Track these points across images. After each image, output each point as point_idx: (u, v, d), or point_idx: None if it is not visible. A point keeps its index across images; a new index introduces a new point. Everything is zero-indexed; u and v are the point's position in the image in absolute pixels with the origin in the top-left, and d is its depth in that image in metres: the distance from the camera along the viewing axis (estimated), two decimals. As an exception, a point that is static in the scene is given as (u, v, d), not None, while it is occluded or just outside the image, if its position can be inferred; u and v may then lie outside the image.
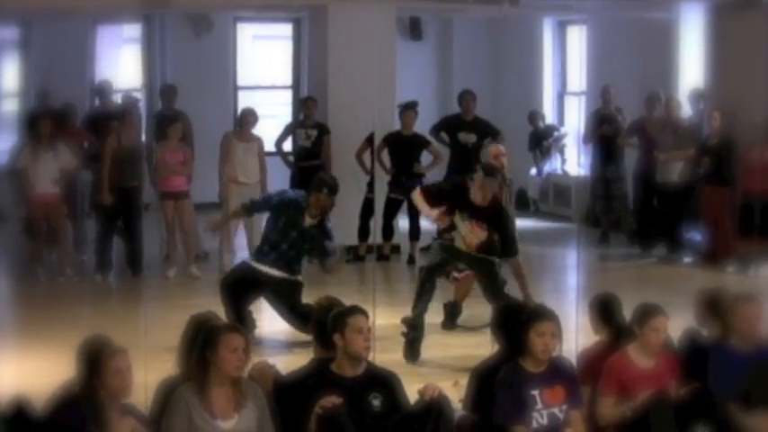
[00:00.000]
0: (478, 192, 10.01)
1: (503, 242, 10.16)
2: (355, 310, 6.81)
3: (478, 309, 10.85)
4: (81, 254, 14.43)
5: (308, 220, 10.67)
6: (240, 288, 10.61)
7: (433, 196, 10.42)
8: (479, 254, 10.14)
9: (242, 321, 9.98)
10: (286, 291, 10.66)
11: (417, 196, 10.56)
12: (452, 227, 10.30)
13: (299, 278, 10.81)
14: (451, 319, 11.14)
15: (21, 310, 12.68)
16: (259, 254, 10.90)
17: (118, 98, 16.11)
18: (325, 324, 6.90)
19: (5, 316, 12.49)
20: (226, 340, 6.25)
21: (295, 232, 10.67)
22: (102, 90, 15.89)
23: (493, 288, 10.08)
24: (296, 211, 10.70)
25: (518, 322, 6.97)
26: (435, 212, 10.40)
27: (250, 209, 11.51)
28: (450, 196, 10.26)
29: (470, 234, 10.08)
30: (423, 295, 10.07)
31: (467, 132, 14.83)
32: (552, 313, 6.95)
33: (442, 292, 10.77)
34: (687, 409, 6.98)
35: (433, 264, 10.23)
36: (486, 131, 15.07)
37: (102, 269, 13.46)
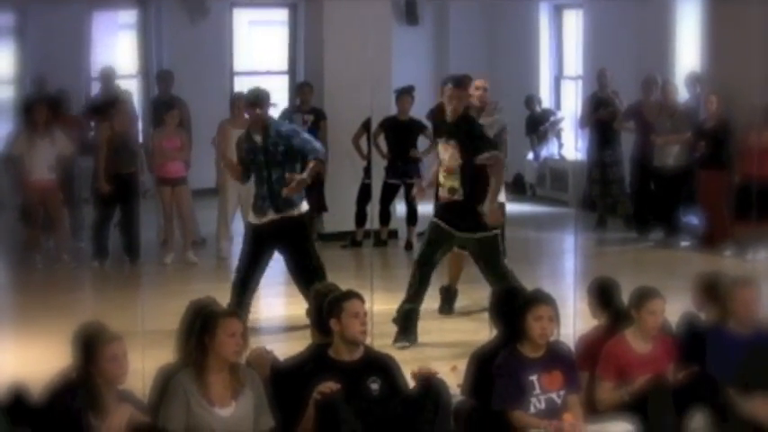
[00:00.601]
0: (448, 105, 9.73)
1: (474, 146, 9.72)
2: (351, 295, 6.82)
3: (476, 293, 10.86)
4: (78, 241, 14.42)
5: (257, 138, 10.30)
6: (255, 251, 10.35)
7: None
8: (477, 233, 9.81)
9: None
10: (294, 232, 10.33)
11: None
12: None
13: (303, 210, 10.37)
14: (448, 303, 11.11)
15: (18, 297, 12.67)
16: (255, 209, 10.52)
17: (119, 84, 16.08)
18: (322, 309, 6.90)
19: (2, 303, 12.49)
20: (224, 325, 6.26)
21: (258, 156, 10.30)
22: (106, 76, 15.81)
23: (494, 270, 9.85)
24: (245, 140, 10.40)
25: (516, 307, 6.97)
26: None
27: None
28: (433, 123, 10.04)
29: (450, 158, 9.77)
30: (417, 288, 9.95)
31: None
32: (549, 297, 6.96)
33: (437, 276, 10.72)
34: (685, 393, 6.99)
35: (425, 254, 10.00)
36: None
37: (99, 256, 13.45)
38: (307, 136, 10.62)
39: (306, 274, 10.15)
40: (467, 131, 9.77)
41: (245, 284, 10.28)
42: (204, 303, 6.80)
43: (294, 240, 10.31)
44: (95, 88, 18.23)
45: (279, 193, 10.17)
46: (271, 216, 10.26)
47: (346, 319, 6.64)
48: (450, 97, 9.73)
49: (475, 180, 9.74)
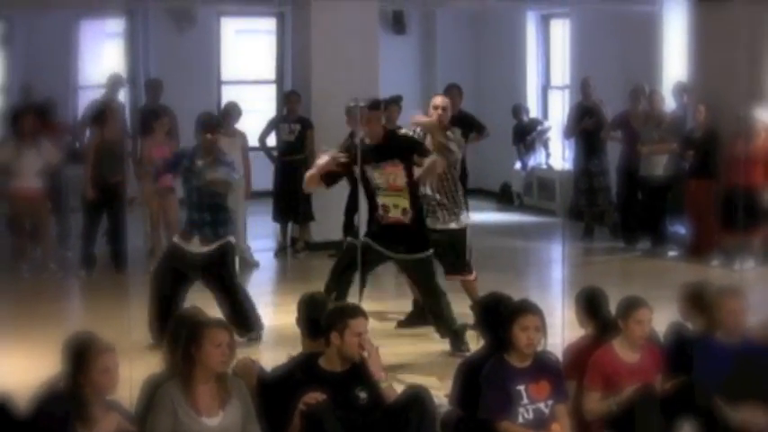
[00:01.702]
0: (365, 128, 9.48)
1: (412, 150, 9.55)
2: (357, 313, 6.79)
3: (463, 304, 10.84)
4: (65, 249, 14.39)
5: (200, 164, 10.24)
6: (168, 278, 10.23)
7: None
8: (409, 255, 9.60)
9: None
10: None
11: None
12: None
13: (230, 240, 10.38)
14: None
15: (4, 306, 12.61)
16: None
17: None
18: (311, 318, 6.90)
19: (-11, 312, 12.46)
20: (210, 335, 6.24)
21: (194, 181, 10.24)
22: (112, 83, 15.72)
23: (430, 289, 9.70)
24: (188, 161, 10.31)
25: (502, 317, 6.96)
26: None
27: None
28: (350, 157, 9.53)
29: (389, 178, 9.45)
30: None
31: (451, 126, 14.76)
32: (536, 307, 6.95)
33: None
34: (673, 402, 6.99)
35: (342, 266, 9.66)
36: (472, 126, 15.06)
37: (86, 265, 13.42)
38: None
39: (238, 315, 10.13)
40: (398, 146, 9.57)
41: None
42: (190, 313, 6.79)
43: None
44: (82, 97, 18.25)
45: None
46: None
47: (349, 336, 6.62)
48: (368, 121, 9.49)
49: (417, 199, 9.62)
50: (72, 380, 5.98)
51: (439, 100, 10.77)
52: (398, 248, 9.55)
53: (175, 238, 10.45)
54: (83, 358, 5.96)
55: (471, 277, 10.69)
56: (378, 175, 9.48)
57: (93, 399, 5.96)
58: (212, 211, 10.24)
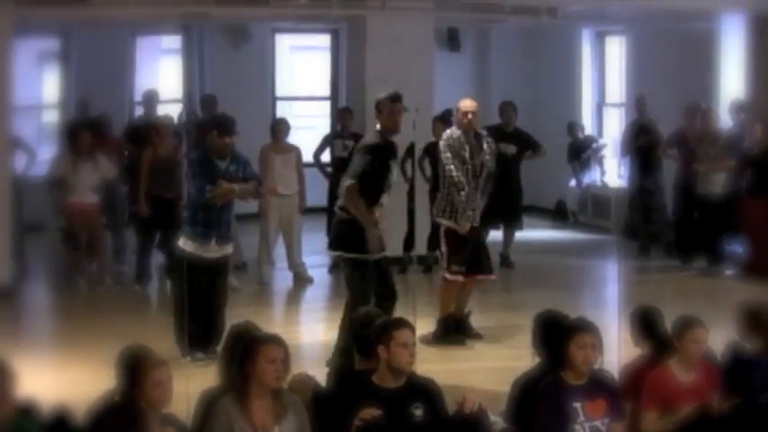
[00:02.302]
0: (391, 118, 9.83)
1: None
2: (401, 324, 6.77)
3: (515, 320, 10.80)
4: (120, 264, 14.49)
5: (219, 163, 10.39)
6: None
7: (362, 182, 9.76)
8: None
9: None
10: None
11: (352, 202, 9.80)
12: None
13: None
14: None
15: (61, 319, 12.77)
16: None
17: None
18: (366, 336, 6.88)
19: (46, 326, 12.58)
20: (264, 351, 6.24)
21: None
22: (148, 99, 15.87)
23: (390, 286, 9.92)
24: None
25: (558, 334, 6.93)
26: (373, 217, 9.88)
27: None
28: (378, 161, 9.78)
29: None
30: None
31: (507, 143, 14.81)
32: (593, 325, 6.91)
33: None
34: (730, 423, 6.92)
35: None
36: (528, 143, 15.13)
37: (141, 279, 13.51)
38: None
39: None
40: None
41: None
42: (245, 329, 6.79)
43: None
44: (139, 112, 18.39)
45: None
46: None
47: (395, 347, 6.59)
48: (392, 112, 9.89)
49: None
50: (126, 393, 6.00)
51: (468, 104, 11.03)
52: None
53: (188, 245, 10.35)
54: (136, 372, 5.98)
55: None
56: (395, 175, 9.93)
57: (148, 412, 5.98)
58: (227, 212, 10.48)
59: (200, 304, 10.17)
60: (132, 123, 15.84)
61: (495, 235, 14.89)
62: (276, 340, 6.43)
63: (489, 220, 14.99)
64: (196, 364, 9.69)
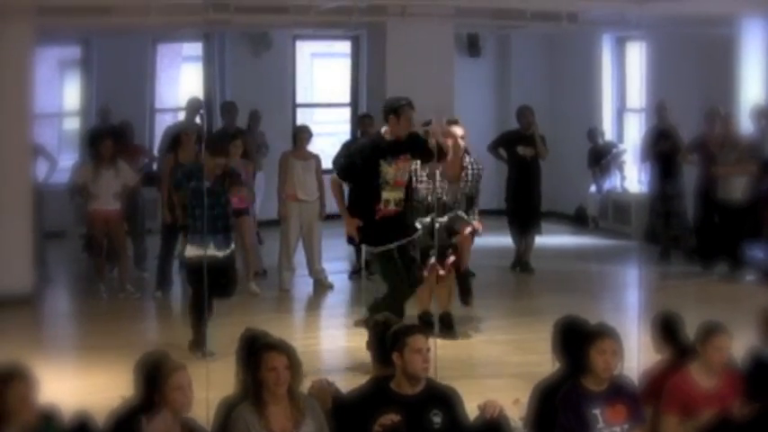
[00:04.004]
0: (404, 125, 10.26)
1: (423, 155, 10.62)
2: (414, 330, 6.78)
3: (537, 326, 10.79)
4: (141, 270, 14.53)
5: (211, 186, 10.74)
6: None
7: (346, 176, 10.51)
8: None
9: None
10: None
11: (333, 193, 10.74)
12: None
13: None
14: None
15: (82, 325, 12.80)
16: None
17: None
18: (383, 342, 6.88)
19: (67, 332, 12.61)
20: (265, 359, 6.24)
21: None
22: (191, 107, 15.86)
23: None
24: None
25: (579, 340, 6.92)
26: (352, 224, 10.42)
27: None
28: (366, 156, 10.31)
29: (398, 173, 10.27)
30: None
31: (525, 146, 14.84)
32: (613, 331, 6.90)
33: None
34: (752, 428, 6.90)
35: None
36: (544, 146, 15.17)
37: (162, 286, 13.54)
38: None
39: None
40: (414, 143, 10.48)
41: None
42: (254, 335, 6.79)
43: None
44: (158, 120, 18.47)
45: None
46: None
47: (409, 354, 6.60)
48: (407, 119, 10.32)
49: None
50: (147, 399, 6.01)
51: (456, 130, 11.50)
52: (399, 236, 10.31)
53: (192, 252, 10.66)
54: (156, 377, 5.99)
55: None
56: (389, 171, 10.24)
57: (169, 417, 5.98)
58: (226, 219, 10.86)
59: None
60: (169, 130, 15.79)
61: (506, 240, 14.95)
62: (277, 347, 6.37)
63: (509, 222, 15.12)
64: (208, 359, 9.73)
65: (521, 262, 14.99)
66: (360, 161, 10.32)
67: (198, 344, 10.45)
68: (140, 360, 6.20)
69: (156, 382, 5.99)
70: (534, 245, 15.11)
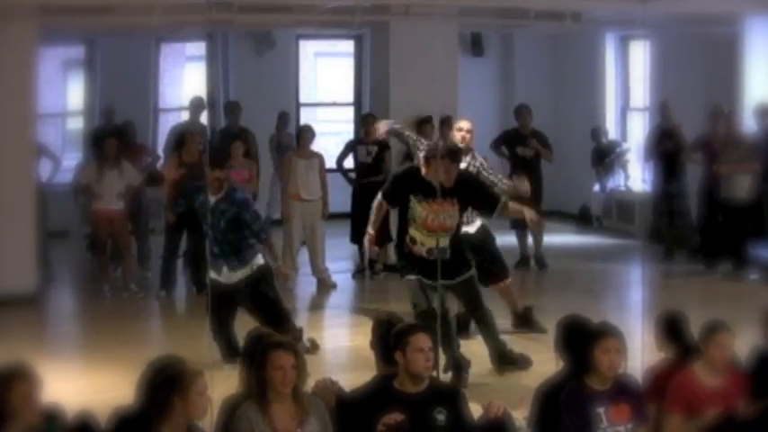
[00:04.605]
0: (444, 175, 9.33)
1: (482, 202, 9.78)
2: (416, 329, 6.78)
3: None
4: (145, 270, 14.54)
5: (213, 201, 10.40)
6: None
7: (390, 198, 9.79)
8: (458, 279, 9.62)
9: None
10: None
11: (376, 212, 10.03)
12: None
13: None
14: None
15: (86, 325, 12.82)
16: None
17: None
18: (386, 340, 6.88)
19: (71, 332, 12.62)
20: (273, 358, 6.24)
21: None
22: (194, 106, 15.86)
23: (478, 307, 9.91)
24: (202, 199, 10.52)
25: (581, 339, 6.92)
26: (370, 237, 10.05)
27: None
28: (405, 185, 9.60)
29: (433, 215, 9.37)
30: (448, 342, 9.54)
31: (525, 146, 14.89)
32: (617, 329, 6.89)
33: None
34: (756, 427, 6.89)
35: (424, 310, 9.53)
36: (543, 145, 15.18)
37: (166, 285, 13.54)
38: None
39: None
40: (466, 186, 9.59)
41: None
42: (260, 334, 6.79)
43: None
44: (162, 119, 18.48)
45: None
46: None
47: (411, 353, 6.60)
48: (447, 170, 9.36)
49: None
50: (159, 402, 5.89)
51: (463, 123, 11.08)
52: (444, 277, 9.37)
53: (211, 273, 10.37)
54: (175, 381, 5.89)
55: (508, 281, 11.20)
56: (421, 209, 9.47)
57: (179, 421, 5.92)
58: (234, 242, 10.30)
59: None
60: (175, 129, 15.79)
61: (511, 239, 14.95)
62: (284, 346, 6.37)
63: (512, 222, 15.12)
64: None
65: (534, 258, 15.08)
66: (390, 188, 9.84)
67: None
68: (153, 364, 6.10)
69: (173, 386, 5.89)
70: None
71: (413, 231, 9.51)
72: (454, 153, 9.57)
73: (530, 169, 14.73)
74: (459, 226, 9.63)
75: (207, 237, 10.43)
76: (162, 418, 5.81)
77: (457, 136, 10.85)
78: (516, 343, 11.08)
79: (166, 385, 5.85)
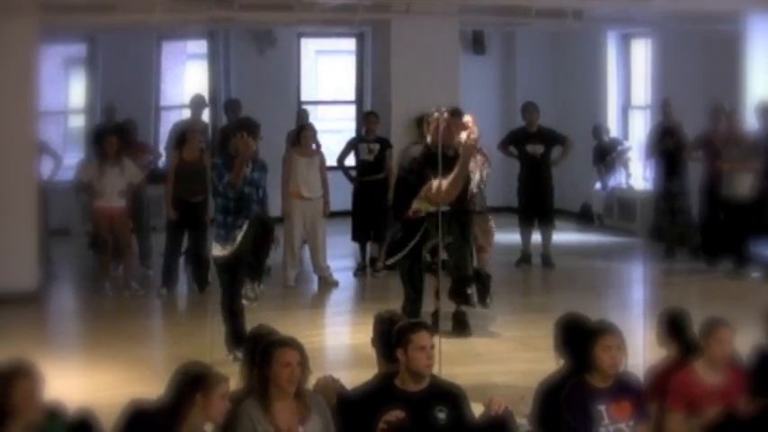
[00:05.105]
0: (445, 132, 9.87)
1: None
2: (419, 327, 6.76)
3: (543, 323, 10.78)
4: (146, 268, 14.54)
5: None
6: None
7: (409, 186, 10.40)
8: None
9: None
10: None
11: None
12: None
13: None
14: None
15: (87, 323, 12.81)
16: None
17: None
18: (387, 338, 6.88)
19: (72, 329, 12.63)
20: (278, 355, 6.23)
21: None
22: (195, 104, 15.85)
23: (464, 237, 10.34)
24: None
25: (581, 337, 6.91)
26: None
27: None
28: (425, 164, 10.16)
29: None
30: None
31: (534, 143, 14.89)
32: (616, 327, 6.90)
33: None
34: (757, 425, 6.89)
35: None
36: (553, 139, 15.20)
37: (167, 283, 13.54)
38: None
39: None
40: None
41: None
42: (262, 332, 6.78)
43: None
44: (163, 117, 18.48)
45: None
46: None
47: (413, 351, 6.59)
48: (448, 126, 10.10)
49: None
50: (187, 405, 5.88)
51: (472, 118, 11.08)
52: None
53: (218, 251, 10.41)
54: (200, 385, 5.88)
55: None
56: (436, 182, 10.08)
57: (199, 421, 5.92)
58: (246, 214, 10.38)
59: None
60: (176, 127, 15.78)
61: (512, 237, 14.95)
62: (290, 343, 6.38)
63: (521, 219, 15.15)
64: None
65: (542, 256, 15.12)
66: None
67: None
68: (183, 365, 6.10)
69: (199, 384, 5.88)
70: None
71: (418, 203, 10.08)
72: (455, 110, 10.17)
73: (539, 167, 14.78)
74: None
75: (228, 212, 10.29)
76: (182, 414, 5.82)
77: (463, 136, 10.82)
78: (515, 341, 11.10)
79: (193, 382, 5.89)
